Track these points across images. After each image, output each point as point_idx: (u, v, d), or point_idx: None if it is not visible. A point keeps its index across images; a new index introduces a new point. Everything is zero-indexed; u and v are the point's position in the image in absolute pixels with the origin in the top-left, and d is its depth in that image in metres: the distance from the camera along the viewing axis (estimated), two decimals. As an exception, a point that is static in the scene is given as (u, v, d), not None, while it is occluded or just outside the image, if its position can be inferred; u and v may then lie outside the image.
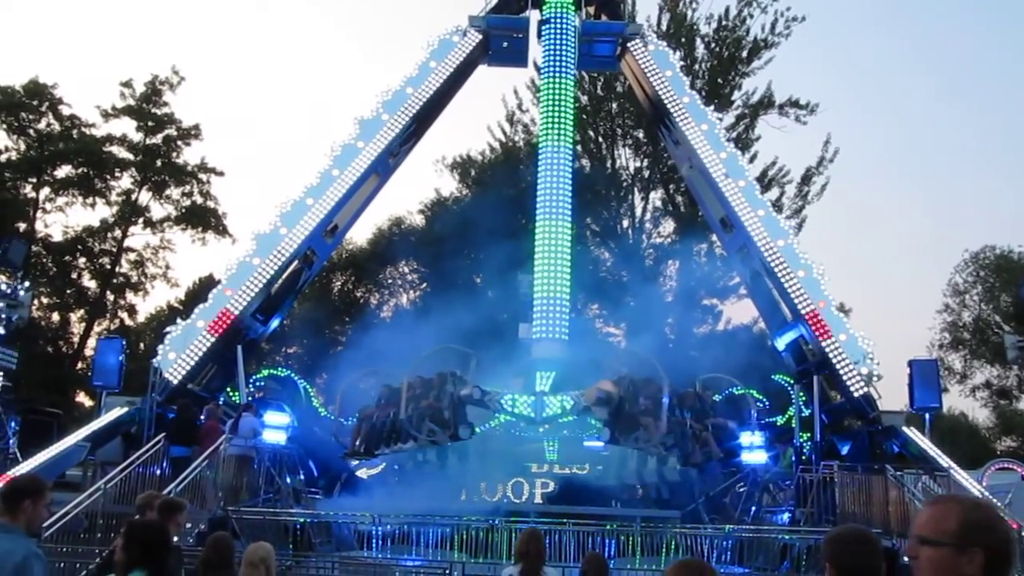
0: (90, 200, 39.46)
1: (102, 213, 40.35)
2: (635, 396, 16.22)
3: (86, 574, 11.14)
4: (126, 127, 39.87)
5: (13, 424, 20.18)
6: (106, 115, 39.19)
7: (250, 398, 18.35)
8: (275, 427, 17.66)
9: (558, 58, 22.18)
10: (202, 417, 17.81)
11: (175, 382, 18.38)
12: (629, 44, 23.33)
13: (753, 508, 17.80)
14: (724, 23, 37.05)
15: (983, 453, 34.70)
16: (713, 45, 37.38)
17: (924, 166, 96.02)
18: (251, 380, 20.11)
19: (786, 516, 17.20)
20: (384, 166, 22.30)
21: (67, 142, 38.47)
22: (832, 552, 3.29)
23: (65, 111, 38.86)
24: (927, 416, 19.08)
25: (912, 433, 17.76)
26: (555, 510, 16.89)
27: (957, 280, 45.81)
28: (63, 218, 39.91)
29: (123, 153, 39.74)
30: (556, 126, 21.60)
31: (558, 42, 22.30)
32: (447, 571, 11.41)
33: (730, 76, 37.27)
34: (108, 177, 39.75)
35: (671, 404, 16.25)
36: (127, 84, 39.44)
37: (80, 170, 39.01)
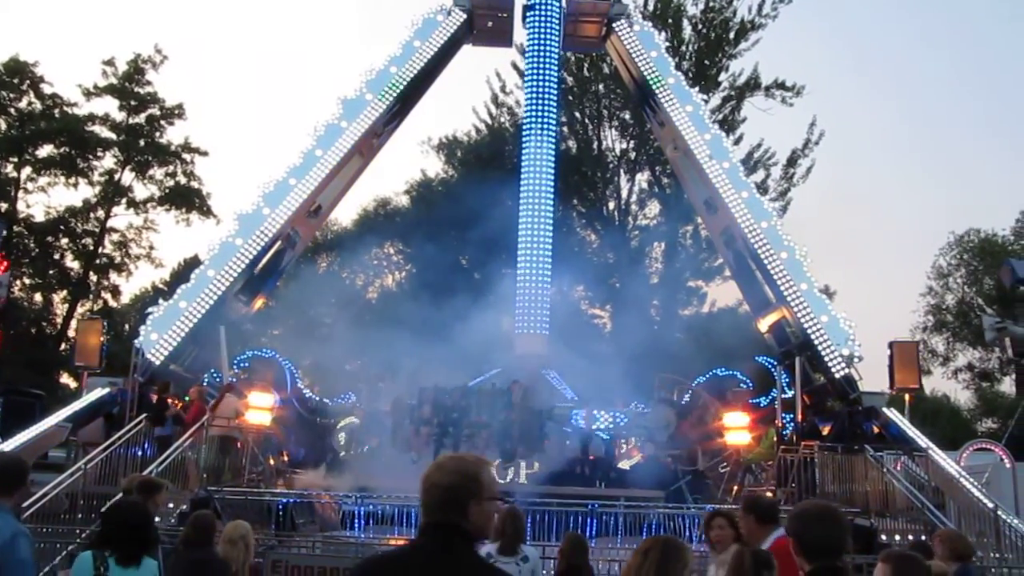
0: (72, 180, 39.09)
1: (85, 193, 40.17)
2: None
3: (66, 554, 11.12)
4: (108, 106, 39.49)
5: (-6, 405, 20.06)
6: (88, 94, 38.78)
7: (233, 379, 18.30)
8: (259, 408, 17.65)
9: (542, 51, 22.30)
10: (187, 397, 17.82)
11: (157, 363, 18.32)
12: (614, 24, 23.23)
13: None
14: (711, 4, 36.99)
15: (964, 434, 34.89)
16: (700, 26, 37.31)
17: (915, 148, 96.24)
18: (235, 361, 20.05)
19: (767, 495, 17.34)
20: (368, 146, 22.20)
21: (49, 121, 38.04)
22: (795, 527, 3.32)
23: (47, 90, 38.44)
24: (907, 397, 19.26)
25: (892, 414, 17.89)
26: (540, 491, 17.01)
27: (941, 263, 46.08)
28: (45, 198, 39.63)
29: (106, 133, 39.34)
30: (539, 123, 22.11)
31: (542, 30, 22.35)
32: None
33: (717, 58, 37.24)
34: (91, 157, 39.35)
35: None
36: (109, 63, 39.02)
37: (62, 149, 38.60)
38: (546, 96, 22.26)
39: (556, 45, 22.61)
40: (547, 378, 20.73)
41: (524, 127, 22.72)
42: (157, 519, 8.94)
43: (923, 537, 11.48)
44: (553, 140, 22.57)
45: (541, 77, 22.29)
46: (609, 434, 21.17)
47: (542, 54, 22.37)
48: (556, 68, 22.86)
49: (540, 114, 22.18)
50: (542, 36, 22.35)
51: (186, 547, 6.76)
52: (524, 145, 22.41)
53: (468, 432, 17.79)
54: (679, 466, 18.86)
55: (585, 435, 19.01)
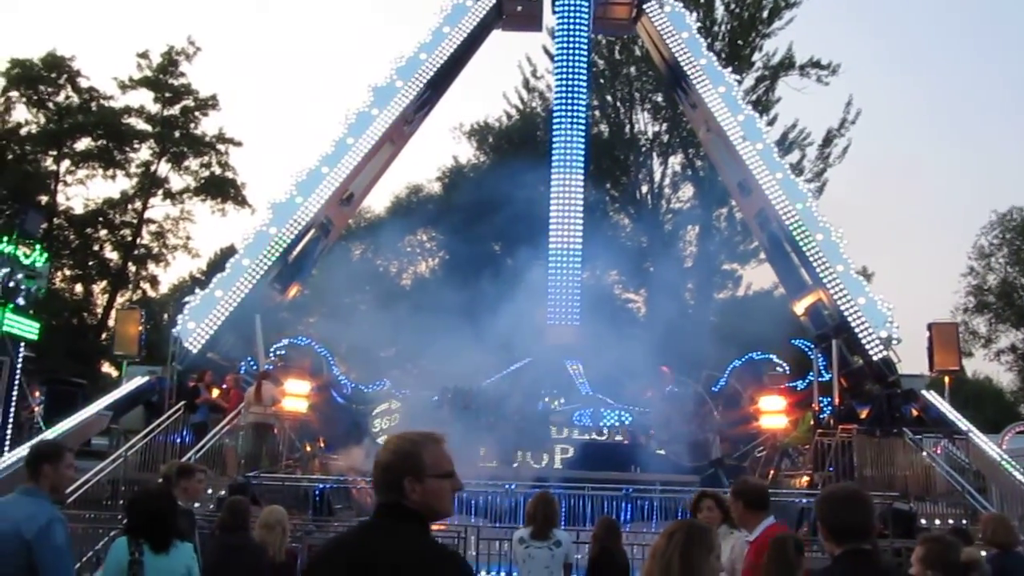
0: (110, 172, 39.70)
1: (122, 185, 40.64)
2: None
3: (108, 539, 11.35)
4: (144, 98, 40.01)
5: (38, 394, 20.49)
6: (123, 87, 39.31)
7: (269, 366, 18.50)
8: (295, 395, 17.84)
9: (572, 36, 22.13)
10: (223, 385, 18.05)
11: (195, 351, 18.57)
12: (645, 6, 23.01)
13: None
14: (744, -17, 36.45)
15: (1007, 417, 34.37)
16: (733, 6, 36.82)
17: (955, 125, 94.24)
18: (271, 349, 20.26)
19: (804, 479, 17.20)
20: (399, 133, 22.25)
21: (86, 114, 38.62)
22: (822, 512, 3.29)
23: (83, 83, 39.05)
24: (946, 379, 18.99)
25: (931, 397, 17.65)
26: (575, 475, 17.08)
27: (983, 242, 45.12)
28: (84, 190, 40.22)
29: (141, 124, 39.91)
30: (569, 108, 21.93)
31: (572, 15, 22.18)
32: (462, 534, 11.50)
33: (750, 37, 36.73)
34: (127, 149, 39.94)
35: None
36: (144, 55, 39.50)
37: (99, 142, 39.21)
38: (576, 81, 22.10)
39: (586, 29, 22.44)
40: (568, 371, 20.67)
41: (554, 113, 22.60)
42: (196, 504, 9.09)
43: (963, 522, 11.33)
44: (583, 126, 22.44)
45: (571, 62, 22.12)
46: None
47: (572, 39, 22.21)
48: (586, 52, 22.70)
49: (570, 100, 22.02)
50: (572, 21, 22.18)
51: (222, 531, 6.87)
52: (555, 132, 22.26)
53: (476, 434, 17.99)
54: (685, 461, 18.57)
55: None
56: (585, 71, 22.46)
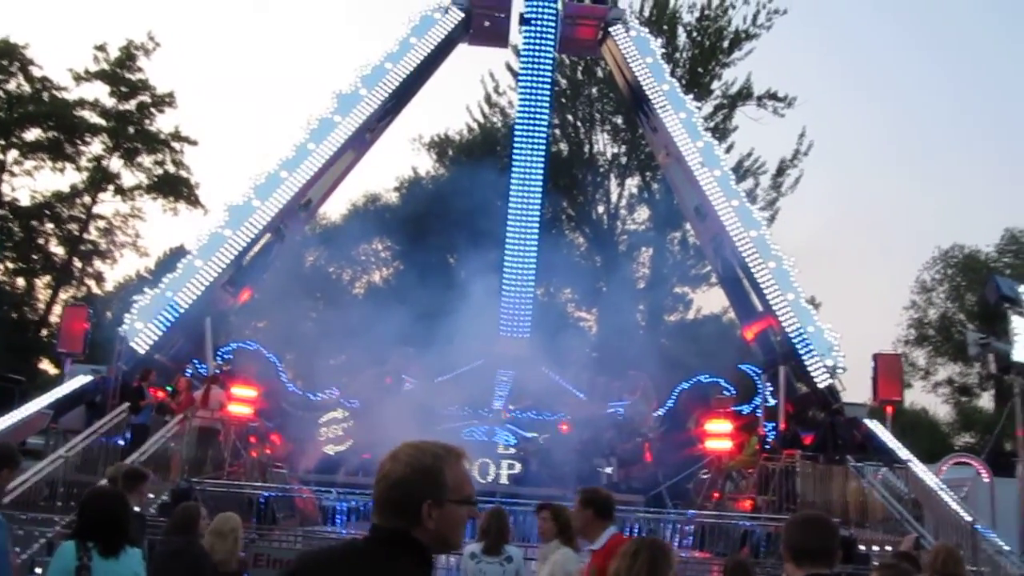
0: (59, 165, 38.65)
1: (71, 178, 39.62)
2: None
3: (45, 542, 11.05)
4: (99, 92, 39.07)
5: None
6: (78, 78, 38.38)
7: (217, 370, 18.23)
8: (241, 400, 17.61)
9: (537, 60, 22.41)
10: (168, 387, 17.76)
11: (142, 352, 18.21)
12: (611, 29, 23.30)
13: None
14: (707, 12, 37.15)
15: (942, 448, 35.18)
16: (695, 34, 37.47)
17: (906, 160, 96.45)
18: (219, 352, 19.97)
19: (747, 503, 17.44)
20: (361, 142, 22.16)
21: (37, 104, 37.64)
22: (789, 535, 3.37)
23: (36, 72, 37.96)
24: (888, 409, 19.43)
25: (874, 425, 18.04)
26: (521, 491, 17.10)
27: (925, 277, 46.42)
28: (31, 182, 39.13)
29: (95, 118, 38.95)
30: (531, 131, 22.44)
31: (538, 40, 22.40)
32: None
33: (710, 66, 37.40)
34: (79, 142, 38.94)
35: None
36: (101, 48, 38.61)
37: (50, 134, 38.19)
38: (539, 101, 22.34)
39: (552, 50, 22.64)
40: (500, 381, 20.83)
41: (516, 133, 22.76)
42: (136, 509, 8.91)
43: (902, 548, 11.57)
44: (544, 146, 22.65)
45: (535, 82, 22.35)
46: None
47: (537, 60, 22.41)
48: (550, 76, 22.91)
49: (532, 120, 22.25)
50: (538, 42, 22.41)
51: (167, 535, 6.75)
52: (515, 152, 22.40)
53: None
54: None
55: None
56: (549, 92, 22.68)
